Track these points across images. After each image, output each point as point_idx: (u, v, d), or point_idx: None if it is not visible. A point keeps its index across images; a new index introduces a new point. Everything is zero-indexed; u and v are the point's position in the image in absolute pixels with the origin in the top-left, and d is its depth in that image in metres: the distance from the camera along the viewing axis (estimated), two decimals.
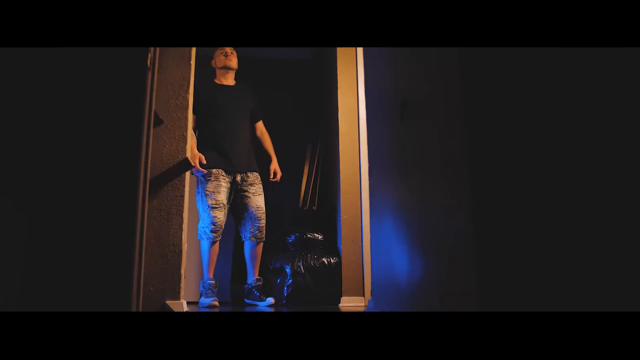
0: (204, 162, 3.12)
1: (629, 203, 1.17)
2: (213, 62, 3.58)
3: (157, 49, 1.92)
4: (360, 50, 3.43)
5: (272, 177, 3.46)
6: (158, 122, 2.45)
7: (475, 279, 1.16)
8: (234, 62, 3.52)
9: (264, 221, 3.29)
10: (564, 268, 1.17)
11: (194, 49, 2.69)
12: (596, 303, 1.12)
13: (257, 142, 3.56)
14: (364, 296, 3.13)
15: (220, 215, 3.16)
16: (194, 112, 3.01)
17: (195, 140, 3.16)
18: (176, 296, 2.38)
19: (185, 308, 2.41)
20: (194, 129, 3.22)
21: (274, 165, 3.48)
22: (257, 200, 3.29)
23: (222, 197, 3.18)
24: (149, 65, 1.77)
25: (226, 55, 3.50)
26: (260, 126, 3.58)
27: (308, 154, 4.03)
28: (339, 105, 3.44)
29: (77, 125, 1.74)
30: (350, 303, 3.12)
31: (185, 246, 2.47)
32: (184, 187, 2.51)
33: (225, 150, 3.26)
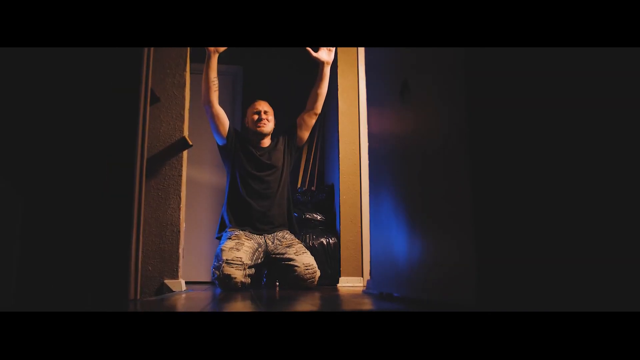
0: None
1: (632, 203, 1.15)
2: (246, 120, 3.06)
3: None
4: None
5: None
6: (155, 100, 2.42)
7: (474, 261, 1.14)
8: (268, 126, 2.95)
9: (316, 275, 2.77)
10: (573, 253, 1.14)
11: None
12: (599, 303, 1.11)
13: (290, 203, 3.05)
14: (362, 276, 3.14)
15: (237, 274, 2.60)
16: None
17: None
18: (175, 275, 2.38)
19: (184, 287, 2.42)
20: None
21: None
22: (304, 258, 2.76)
23: (242, 255, 2.67)
24: None
25: (259, 115, 2.95)
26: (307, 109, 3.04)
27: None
28: (338, 84, 3.40)
29: (73, 103, 1.71)
30: (348, 283, 3.13)
31: (183, 225, 2.46)
32: (181, 166, 2.48)
33: (252, 214, 2.86)
